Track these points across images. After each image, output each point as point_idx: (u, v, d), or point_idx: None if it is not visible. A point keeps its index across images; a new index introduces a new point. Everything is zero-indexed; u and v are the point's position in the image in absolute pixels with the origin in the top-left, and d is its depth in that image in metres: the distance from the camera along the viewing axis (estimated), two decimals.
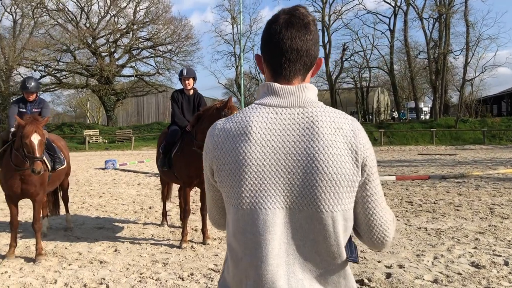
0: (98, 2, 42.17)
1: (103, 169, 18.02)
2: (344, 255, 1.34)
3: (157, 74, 43.56)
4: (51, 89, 43.71)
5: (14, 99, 28.62)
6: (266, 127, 1.31)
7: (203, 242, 6.09)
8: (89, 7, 42.20)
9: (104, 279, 4.82)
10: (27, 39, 40.40)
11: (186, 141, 5.97)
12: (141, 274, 4.95)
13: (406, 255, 5.36)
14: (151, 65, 44.27)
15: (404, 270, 4.79)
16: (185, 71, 6.36)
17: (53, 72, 41.95)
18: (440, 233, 6.31)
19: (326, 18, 42.53)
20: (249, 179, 1.29)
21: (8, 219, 6.17)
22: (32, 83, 6.11)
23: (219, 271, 4.97)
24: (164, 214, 7.33)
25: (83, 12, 42.01)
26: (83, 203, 9.70)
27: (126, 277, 4.87)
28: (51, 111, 7.01)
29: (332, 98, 43.70)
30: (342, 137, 1.30)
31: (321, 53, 40.32)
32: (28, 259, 5.59)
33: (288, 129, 1.31)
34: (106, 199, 10.14)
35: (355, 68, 46.07)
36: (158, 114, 53.88)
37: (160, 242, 6.27)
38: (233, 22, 45.15)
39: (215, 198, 1.49)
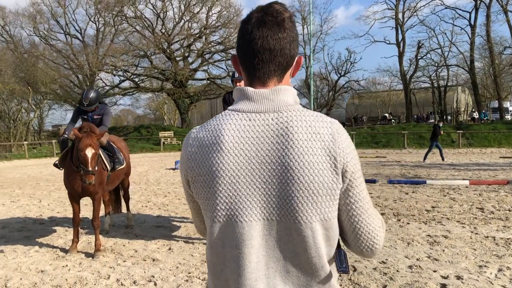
0: (173, 8, 43.96)
1: (173, 169, 18.66)
2: (327, 267, 1.24)
3: (228, 77, 44.45)
4: (130, 93, 46.15)
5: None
6: (239, 135, 1.24)
7: None
8: (165, 13, 43.99)
9: (153, 276, 4.95)
10: (108, 46, 42.96)
11: None
12: (189, 273, 5.02)
13: (466, 265, 4.97)
14: (222, 68, 45.24)
15: (462, 282, 4.44)
16: (237, 73, 6.38)
17: (131, 77, 44.24)
18: (510, 243, 5.79)
19: (400, 15, 40.98)
20: (223, 191, 1.24)
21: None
22: (89, 100, 6.30)
23: None
24: None
25: (159, 18, 43.88)
26: (148, 202, 10.08)
27: (175, 276, 4.96)
28: (111, 117, 7.36)
29: (407, 98, 42.04)
30: (320, 142, 1.20)
31: (395, 51, 38.87)
32: (88, 254, 5.89)
33: (262, 136, 1.22)
34: (170, 199, 10.47)
35: (432, 67, 44.04)
36: None
37: None
38: (303, 23, 44.95)
39: (195, 209, 1.44)
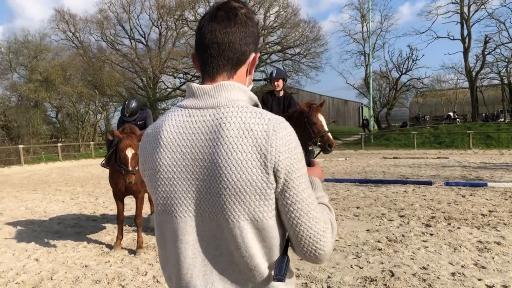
0: None
1: None
2: (261, 269, 1.21)
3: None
4: None
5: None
6: (177, 131, 1.25)
7: None
8: None
9: None
10: (170, 49, 44.36)
11: None
12: None
13: None
14: (280, 68, 45.30)
15: None
16: (274, 73, 6.37)
17: (191, 79, 45.38)
18: None
19: (465, 9, 38.99)
20: (162, 186, 1.27)
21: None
22: (131, 110, 6.55)
23: (300, 275, 4.85)
24: None
25: None
26: None
27: None
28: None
29: (472, 95, 39.91)
30: (251, 139, 1.16)
31: (459, 47, 36.90)
32: (131, 251, 6.09)
33: (197, 132, 1.22)
34: None
35: (501, 62, 41.41)
36: None
37: None
38: (363, 21, 44.01)
39: None
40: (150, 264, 5.49)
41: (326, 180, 13.37)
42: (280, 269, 1.20)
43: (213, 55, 1.26)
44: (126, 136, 5.73)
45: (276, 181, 1.17)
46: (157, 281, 4.88)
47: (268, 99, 6.42)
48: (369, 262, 5.23)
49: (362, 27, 44.89)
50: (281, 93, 6.43)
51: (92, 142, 33.24)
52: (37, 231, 7.53)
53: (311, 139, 5.45)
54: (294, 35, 43.26)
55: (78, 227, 7.75)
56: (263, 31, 43.68)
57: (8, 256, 6.02)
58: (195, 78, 45.68)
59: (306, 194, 1.21)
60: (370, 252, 5.62)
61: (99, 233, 7.25)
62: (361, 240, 6.22)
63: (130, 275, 5.10)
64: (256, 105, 1.33)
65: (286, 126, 1.21)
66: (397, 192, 10.49)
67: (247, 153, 1.16)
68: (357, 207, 8.70)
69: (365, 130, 40.24)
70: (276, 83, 6.32)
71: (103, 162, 6.63)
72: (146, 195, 6.64)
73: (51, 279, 5.05)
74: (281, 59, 44.77)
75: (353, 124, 58.92)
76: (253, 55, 1.33)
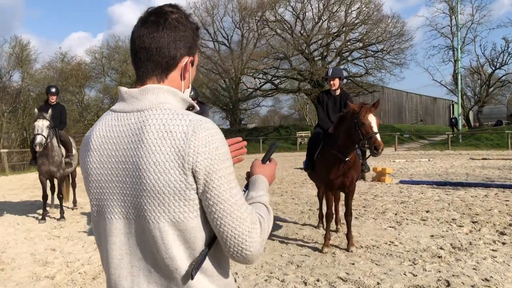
0: (312, 9, 44.16)
1: (301, 169, 18.80)
2: (182, 271, 1.21)
3: (366, 74, 43.18)
4: (270, 95, 47.80)
5: None
6: (105, 134, 1.29)
7: (347, 249, 5.83)
8: (304, 14, 44.53)
9: (236, 273, 5.08)
10: (251, 50, 45.14)
11: (327, 144, 5.83)
12: (270, 273, 5.04)
13: None
14: (361, 66, 44.06)
15: None
16: (330, 71, 6.23)
17: (271, 79, 45.78)
18: None
19: None
20: (93, 188, 1.32)
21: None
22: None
23: (348, 280, 4.71)
24: (320, 216, 7.27)
25: (297, 19, 44.59)
26: None
27: (256, 275, 5.02)
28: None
29: None
30: (170, 141, 1.17)
31: None
32: None
33: (122, 136, 1.25)
34: (284, 198, 10.60)
35: None
36: None
37: (306, 244, 6.25)
38: (451, 13, 41.40)
39: None
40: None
41: (402, 182, 12.81)
42: (196, 264, 1.21)
43: (142, 60, 1.29)
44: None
45: (196, 182, 1.17)
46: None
47: (324, 98, 6.30)
48: (425, 270, 4.93)
49: (451, 20, 42.24)
50: (337, 92, 6.28)
51: None
52: None
53: (359, 141, 5.25)
54: (376, 31, 41.84)
55: None
56: (344, 28, 42.88)
57: (78, 248, 6.51)
58: (275, 78, 46.03)
59: (228, 194, 1.20)
60: (428, 260, 5.29)
61: None
62: (422, 246, 5.87)
63: None
64: (190, 108, 1.34)
65: (208, 127, 1.20)
66: (476, 196, 9.75)
67: (165, 155, 1.17)
68: (427, 211, 8.22)
69: (454, 130, 37.88)
70: (331, 82, 6.19)
71: None
72: None
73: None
74: (363, 56, 43.52)
75: (443, 123, 55.67)
76: (186, 59, 1.33)
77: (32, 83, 31.31)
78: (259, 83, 46.74)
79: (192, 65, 1.38)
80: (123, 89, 1.31)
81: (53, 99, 8.85)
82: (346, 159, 5.48)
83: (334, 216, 6.25)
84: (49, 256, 6.07)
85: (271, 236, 6.71)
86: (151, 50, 1.27)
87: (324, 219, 6.61)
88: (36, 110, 8.59)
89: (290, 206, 9.45)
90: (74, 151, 9.08)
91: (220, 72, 46.73)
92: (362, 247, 5.97)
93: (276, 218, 8.11)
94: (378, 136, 5.18)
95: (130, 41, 1.33)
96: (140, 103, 1.25)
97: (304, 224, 7.56)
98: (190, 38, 1.33)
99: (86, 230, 7.67)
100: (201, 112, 6.06)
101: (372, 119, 5.19)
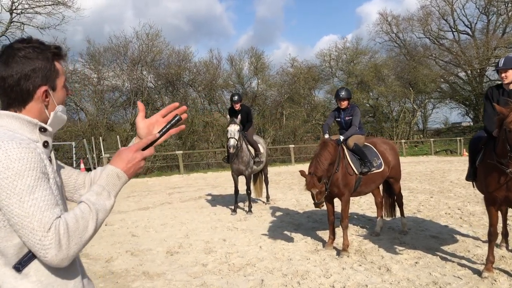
0: None
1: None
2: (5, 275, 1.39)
3: None
4: None
5: None
6: None
7: None
8: None
9: (366, 286, 4.79)
10: (498, 37, 39.90)
11: (488, 149, 4.86)
12: None
13: None
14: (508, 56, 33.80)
15: None
16: (501, 62, 5.09)
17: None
18: None
19: None
20: None
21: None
22: (345, 93, 6.65)
23: None
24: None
25: None
26: (421, 206, 9.15)
27: None
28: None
29: None
30: None
31: None
32: (338, 252, 6.16)
33: None
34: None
35: None
36: None
37: (467, 264, 5.36)
38: None
39: None
40: (343, 268, 5.45)
41: None
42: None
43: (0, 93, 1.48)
44: (321, 142, 5.89)
45: None
46: (332, 287, 4.86)
47: (494, 94, 5.25)
48: None
49: None
50: (511, 86, 5.15)
51: (402, 140, 33.44)
52: (285, 222, 8.46)
53: (506, 154, 4.24)
54: None
55: (319, 223, 8.24)
56: None
57: (244, 241, 7.08)
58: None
59: (19, 209, 1.30)
60: None
61: (326, 231, 7.55)
62: None
63: (315, 275, 5.23)
64: (42, 129, 1.46)
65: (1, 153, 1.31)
66: None
67: None
68: None
69: None
70: (503, 74, 5.11)
71: None
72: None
73: (254, 266, 5.71)
74: None
75: None
76: (43, 88, 1.46)
77: (266, 88, 35.14)
78: None
79: (55, 90, 1.50)
80: None
81: (237, 107, 9.69)
82: (508, 170, 4.43)
83: (497, 236, 5.17)
84: (217, 245, 6.83)
85: (429, 250, 5.97)
86: (1, 89, 1.44)
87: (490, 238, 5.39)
88: (228, 116, 9.68)
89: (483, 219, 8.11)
90: (261, 150, 9.85)
91: (461, 64, 42.56)
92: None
93: (455, 231, 7.15)
94: None
95: None
96: None
97: (484, 242, 6.45)
98: (42, 69, 1.46)
99: (257, 225, 8.27)
100: (352, 114, 5.87)
101: None
